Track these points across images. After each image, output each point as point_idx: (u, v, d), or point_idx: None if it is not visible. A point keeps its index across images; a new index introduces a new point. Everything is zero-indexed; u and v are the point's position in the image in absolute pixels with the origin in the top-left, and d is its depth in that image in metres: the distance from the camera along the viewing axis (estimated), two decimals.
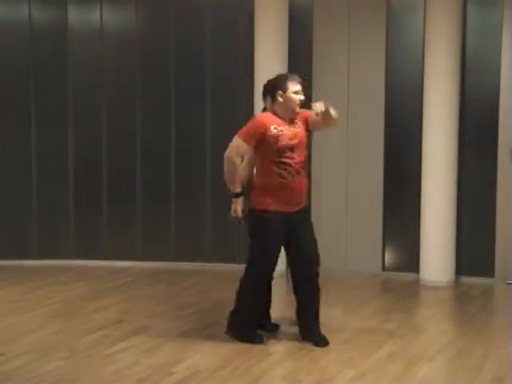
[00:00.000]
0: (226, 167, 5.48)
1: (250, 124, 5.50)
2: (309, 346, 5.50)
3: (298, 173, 5.50)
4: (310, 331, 5.58)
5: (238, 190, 5.53)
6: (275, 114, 5.51)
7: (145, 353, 5.30)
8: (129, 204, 8.52)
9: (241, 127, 5.52)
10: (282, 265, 8.11)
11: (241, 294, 5.63)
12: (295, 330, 5.80)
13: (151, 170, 8.49)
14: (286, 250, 5.62)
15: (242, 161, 5.52)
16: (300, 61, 8.03)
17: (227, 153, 5.45)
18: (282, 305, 6.45)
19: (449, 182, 7.52)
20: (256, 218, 5.50)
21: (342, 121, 7.92)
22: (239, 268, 5.99)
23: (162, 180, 8.46)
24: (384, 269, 8.05)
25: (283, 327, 5.89)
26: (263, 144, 5.42)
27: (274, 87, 5.53)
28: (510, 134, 7.55)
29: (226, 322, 5.72)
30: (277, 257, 5.58)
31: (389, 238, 8.05)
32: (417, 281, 7.66)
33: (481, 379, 4.84)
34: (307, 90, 5.95)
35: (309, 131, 5.69)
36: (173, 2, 8.34)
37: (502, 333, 5.90)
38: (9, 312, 6.42)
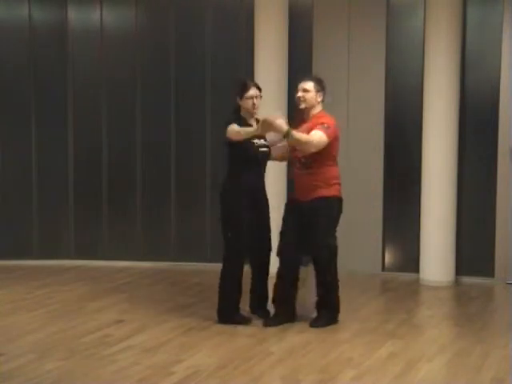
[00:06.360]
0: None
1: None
2: (309, 345, 5.51)
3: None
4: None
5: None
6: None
7: (145, 353, 5.30)
8: (129, 204, 8.52)
9: None
10: None
11: None
12: (296, 330, 5.83)
13: (151, 169, 8.50)
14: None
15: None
16: (300, 60, 8.03)
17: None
18: None
19: (449, 181, 7.52)
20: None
21: (342, 120, 7.99)
22: None
23: (161, 180, 8.46)
24: (384, 269, 8.05)
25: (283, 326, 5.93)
26: None
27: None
28: (509, 133, 7.55)
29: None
30: None
31: (389, 238, 8.06)
32: (417, 281, 7.66)
33: (480, 379, 4.84)
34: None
35: None
36: (173, 1, 8.35)
37: (502, 333, 5.90)
38: (9, 312, 6.41)
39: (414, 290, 7.41)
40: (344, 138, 7.97)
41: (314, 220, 5.90)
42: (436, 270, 7.57)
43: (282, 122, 5.65)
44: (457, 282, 7.64)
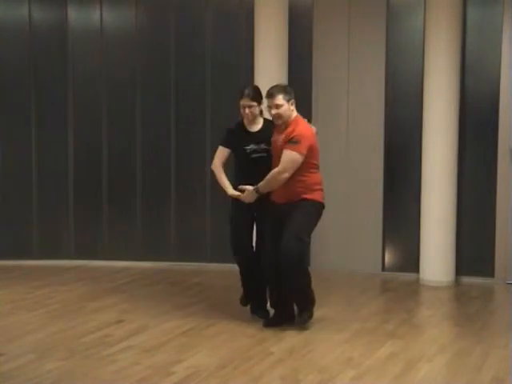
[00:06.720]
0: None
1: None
2: (309, 345, 5.52)
3: None
4: None
5: None
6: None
7: (145, 353, 5.30)
8: (129, 204, 8.52)
9: None
10: None
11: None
12: (296, 330, 5.84)
13: (151, 170, 8.50)
14: None
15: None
16: (300, 60, 8.03)
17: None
18: None
19: (449, 181, 7.52)
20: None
21: (342, 120, 8.00)
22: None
23: (162, 180, 8.46)
24: (384, 269, 8.05)
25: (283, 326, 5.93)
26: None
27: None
28: (510, 133, 7.55)
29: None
30: None
31: (389, 238, 8.05)
32: (417, 281, 7.66)
33: (480, 379, 4.85)
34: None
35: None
36: (173, 1, 8.34)
37: (502, 333, 5.90)
38: (9, 312, 6.41)
39: (414, 290, 7.41)
40: (344, 138, 8.02)
41: (293, 214, 5.78)
42: (436, 270, 7.57)
43: (247, 192, 5.84)
44: (457, 282, 7.64)
